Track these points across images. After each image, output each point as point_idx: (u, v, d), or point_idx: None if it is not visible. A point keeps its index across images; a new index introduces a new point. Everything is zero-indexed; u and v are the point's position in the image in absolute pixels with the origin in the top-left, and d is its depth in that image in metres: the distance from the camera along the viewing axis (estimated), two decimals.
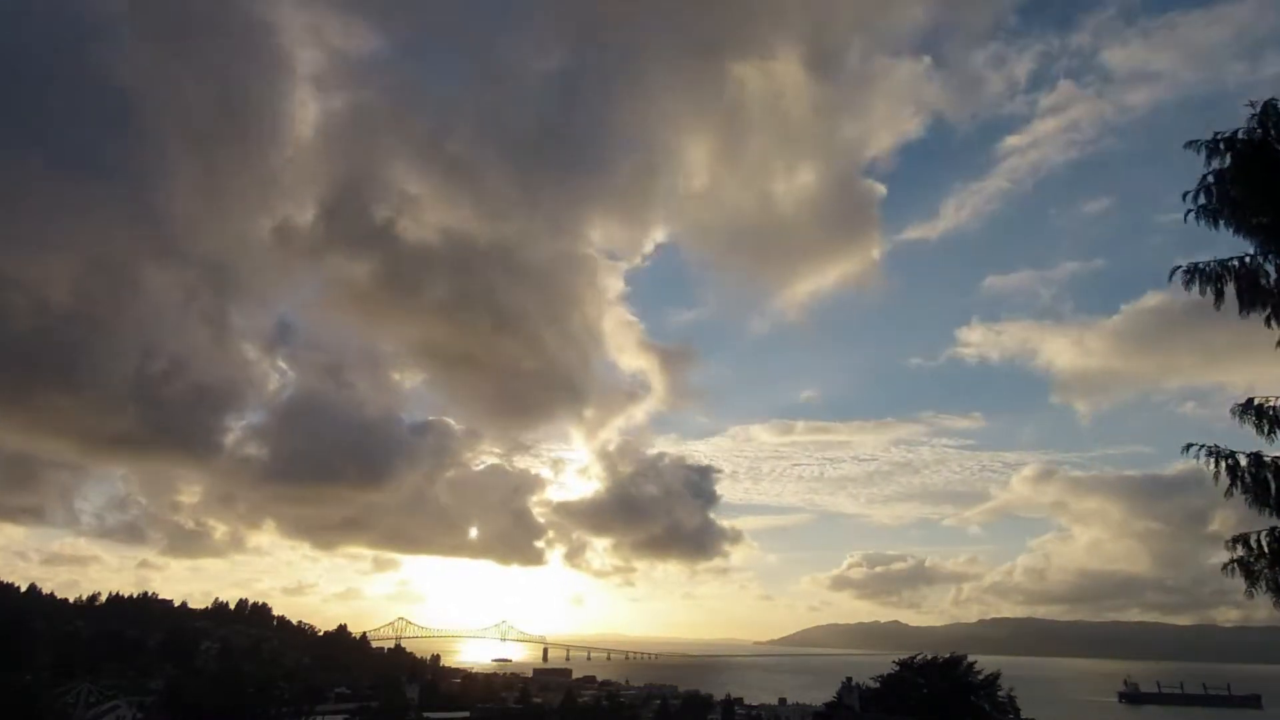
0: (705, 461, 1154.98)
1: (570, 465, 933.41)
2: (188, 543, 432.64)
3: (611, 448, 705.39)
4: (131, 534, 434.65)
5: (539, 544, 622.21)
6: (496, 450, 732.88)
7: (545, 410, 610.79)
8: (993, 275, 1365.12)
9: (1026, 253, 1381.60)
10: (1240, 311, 9.44)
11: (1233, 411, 9.63)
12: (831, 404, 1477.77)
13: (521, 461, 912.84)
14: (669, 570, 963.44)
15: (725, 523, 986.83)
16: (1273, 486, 8.96)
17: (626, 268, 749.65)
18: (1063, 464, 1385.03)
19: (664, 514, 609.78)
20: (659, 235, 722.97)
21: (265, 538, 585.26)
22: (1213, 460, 9.30)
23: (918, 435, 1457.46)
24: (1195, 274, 9.66)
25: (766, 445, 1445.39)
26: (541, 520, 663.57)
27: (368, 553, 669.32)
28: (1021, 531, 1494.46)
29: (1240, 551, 9.22)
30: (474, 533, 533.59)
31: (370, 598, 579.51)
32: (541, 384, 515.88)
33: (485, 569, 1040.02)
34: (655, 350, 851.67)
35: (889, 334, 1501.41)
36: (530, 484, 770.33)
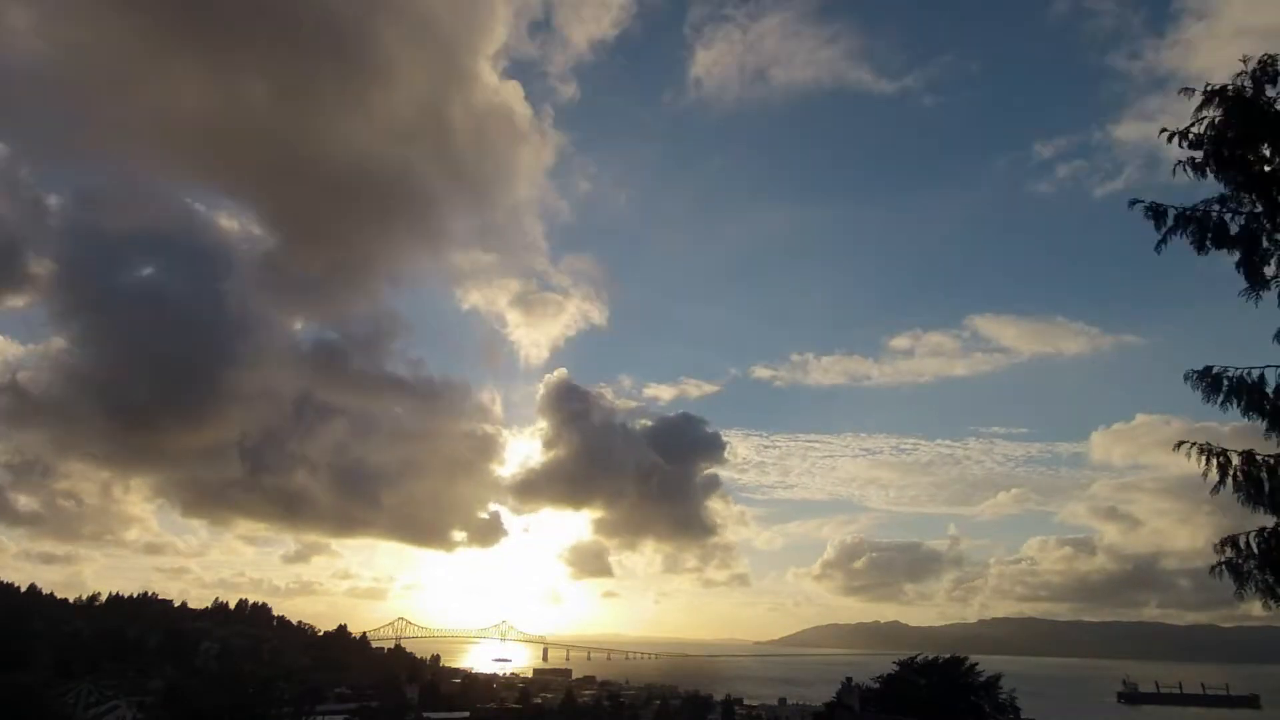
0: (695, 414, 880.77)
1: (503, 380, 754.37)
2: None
3: (562, 376, 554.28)
4: None
5: (484, 515, 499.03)
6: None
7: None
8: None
9: None
10: (1200, 251, 9.53)
11: (1186, 377, 9.55)
12: (862, 310, 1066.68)
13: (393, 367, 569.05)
14: (654, 563, 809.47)
15: (720, 505, 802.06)
16: (1266, 485, 8.86)
17: None
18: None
19: (640, 488, 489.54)
20: None
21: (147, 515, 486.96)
22: (1204, 458, 9.20)
23: (977, 373, 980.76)
24: (1158, 212, 9.78)
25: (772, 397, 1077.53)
26: (491, 487, 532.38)
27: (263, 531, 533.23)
28: (1048, 522, 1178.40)
29: (1229, 553, 9.10)
30: (392, 508, 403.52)
31: (323, 593, 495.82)
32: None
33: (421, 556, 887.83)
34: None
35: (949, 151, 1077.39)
36: (460, 434, 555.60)
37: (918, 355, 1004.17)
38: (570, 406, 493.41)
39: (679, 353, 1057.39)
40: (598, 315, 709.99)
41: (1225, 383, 9.31)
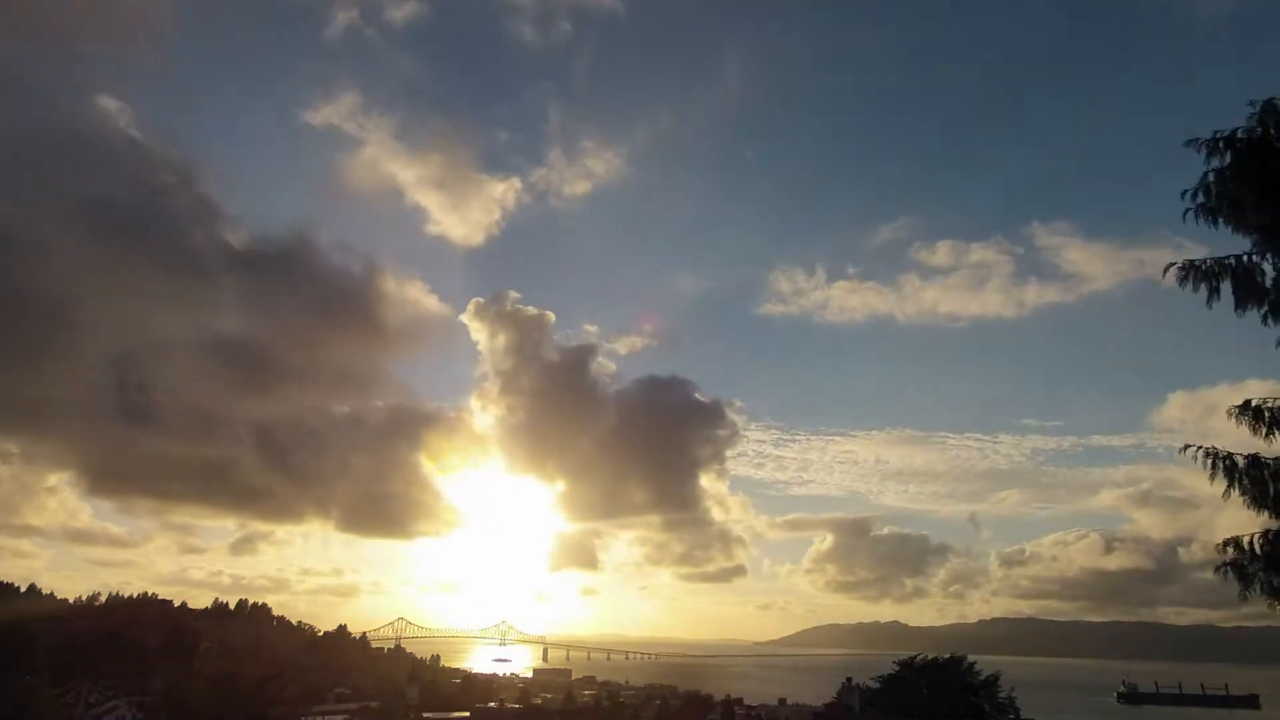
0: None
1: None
2: None
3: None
4: None
5: (439, 492, 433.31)
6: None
7: None
8: None
9: None
10: (1236, 309, 9.46)
11: (1229, 413, 9.60)
12: (888, 205, 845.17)
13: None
14: (647, 558, 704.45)
15: (720, 494, 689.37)
16: (1271, 488, 8.93)
17: None
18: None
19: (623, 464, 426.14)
20: None
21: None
22: (1210, 461, 9.24)
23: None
24: (1191, 271, 9.66)
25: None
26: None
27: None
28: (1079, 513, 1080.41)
29: (1233, 554, 9.19)
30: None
31: (292, 591, 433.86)
32: None
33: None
34: None
35: None
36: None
37: (953, 282, 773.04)
38: (527, 346, 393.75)
39: (654, 267, 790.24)
40: (540, 199, 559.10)
41: (1267, 415, 9.29)
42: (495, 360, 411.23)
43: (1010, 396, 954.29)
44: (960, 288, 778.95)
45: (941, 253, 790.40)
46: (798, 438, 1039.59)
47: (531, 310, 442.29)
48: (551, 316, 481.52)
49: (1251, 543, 9.10)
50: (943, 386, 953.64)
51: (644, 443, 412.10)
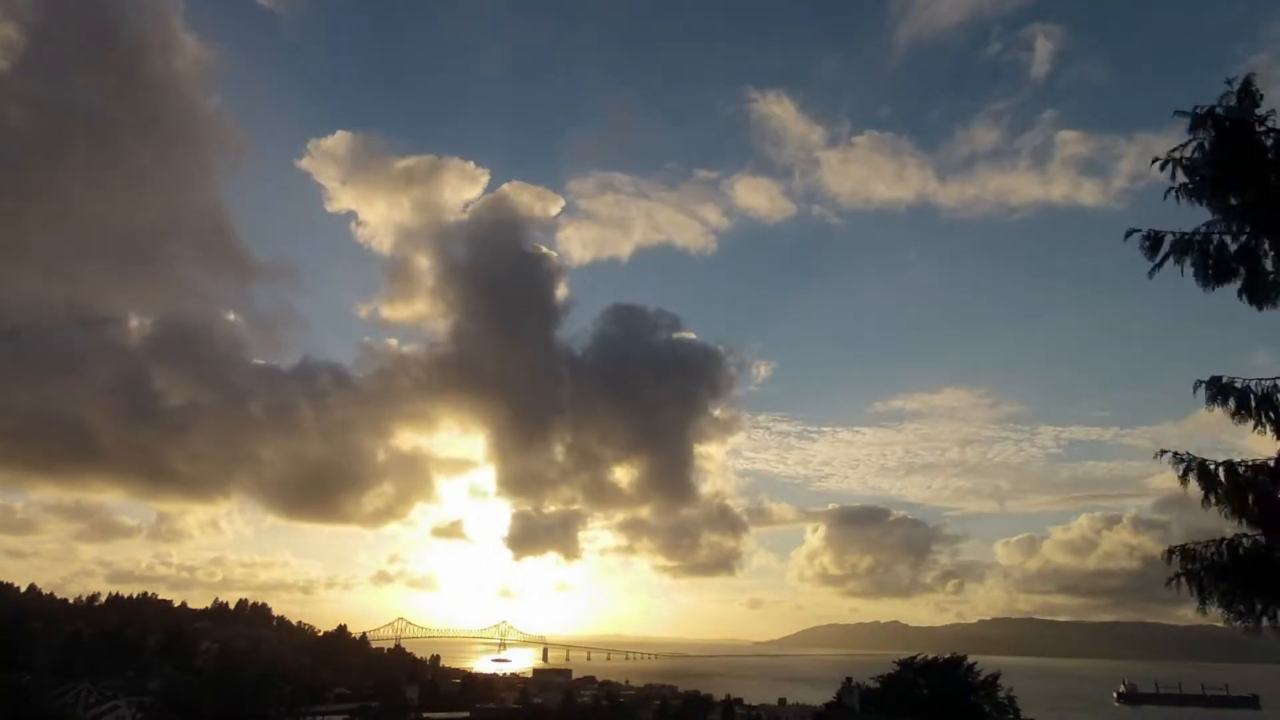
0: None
1: None
2: None
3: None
4: None
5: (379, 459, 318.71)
6: None
7: None
8: None
9: None
10: (1206, 286, 9.21)
11: (1195, 388, 9.17)
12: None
13: None
14: (638, 553, 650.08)
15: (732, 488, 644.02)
16: (1249, 495, 8.57)
17: None
18: None
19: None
20: None
21: None
22: (1183, 468, 8.93)
23: None
24: (1154, 240, 9.39)
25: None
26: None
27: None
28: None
29: (1179, 564, 8.77)
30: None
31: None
32: None
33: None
34: None
35: None
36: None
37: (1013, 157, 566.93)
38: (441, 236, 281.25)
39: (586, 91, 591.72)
40: None
41: (1233, 394, 8.98)
42: (387, 250, 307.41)
43: (1057, 375, 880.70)
44: (1025, 154, 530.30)
45: (1040, 53, 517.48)
46: (824, 430, 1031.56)
47: (434, 162, 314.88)
48: (482, 175, 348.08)
49: (1208, 552, 8.69)
50: (979, 346, 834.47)
51: (624, 402, 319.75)
